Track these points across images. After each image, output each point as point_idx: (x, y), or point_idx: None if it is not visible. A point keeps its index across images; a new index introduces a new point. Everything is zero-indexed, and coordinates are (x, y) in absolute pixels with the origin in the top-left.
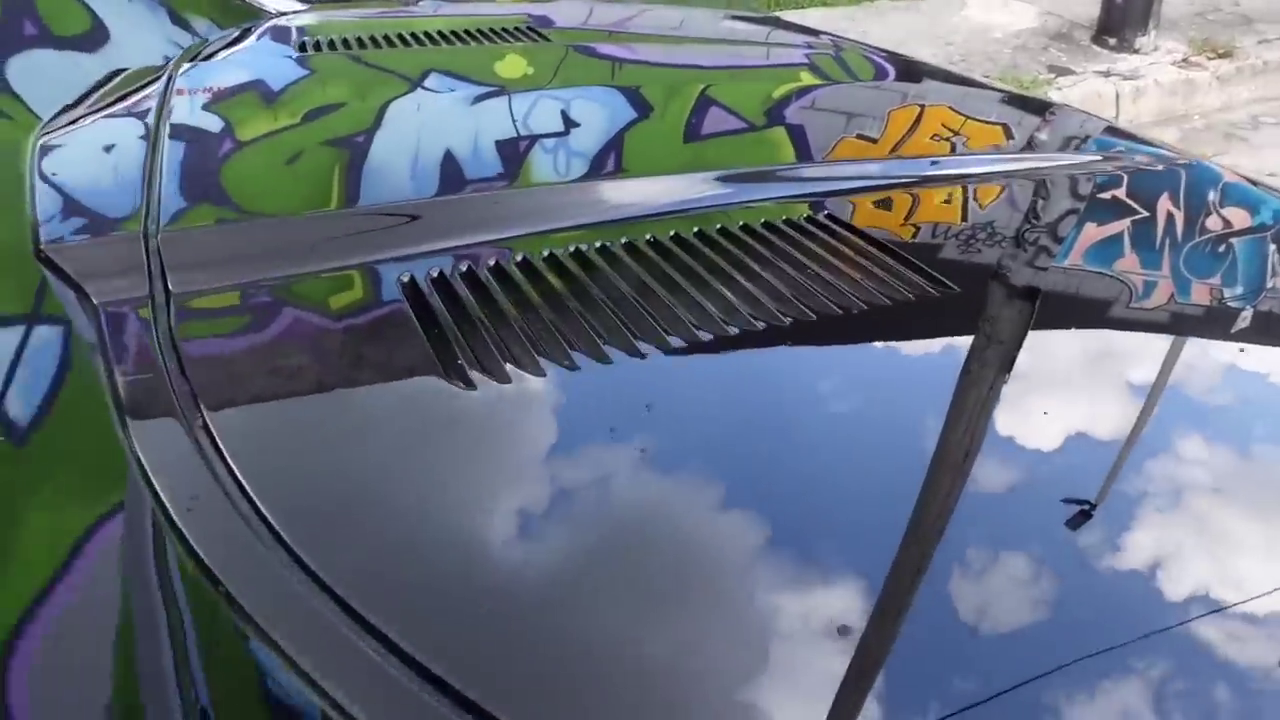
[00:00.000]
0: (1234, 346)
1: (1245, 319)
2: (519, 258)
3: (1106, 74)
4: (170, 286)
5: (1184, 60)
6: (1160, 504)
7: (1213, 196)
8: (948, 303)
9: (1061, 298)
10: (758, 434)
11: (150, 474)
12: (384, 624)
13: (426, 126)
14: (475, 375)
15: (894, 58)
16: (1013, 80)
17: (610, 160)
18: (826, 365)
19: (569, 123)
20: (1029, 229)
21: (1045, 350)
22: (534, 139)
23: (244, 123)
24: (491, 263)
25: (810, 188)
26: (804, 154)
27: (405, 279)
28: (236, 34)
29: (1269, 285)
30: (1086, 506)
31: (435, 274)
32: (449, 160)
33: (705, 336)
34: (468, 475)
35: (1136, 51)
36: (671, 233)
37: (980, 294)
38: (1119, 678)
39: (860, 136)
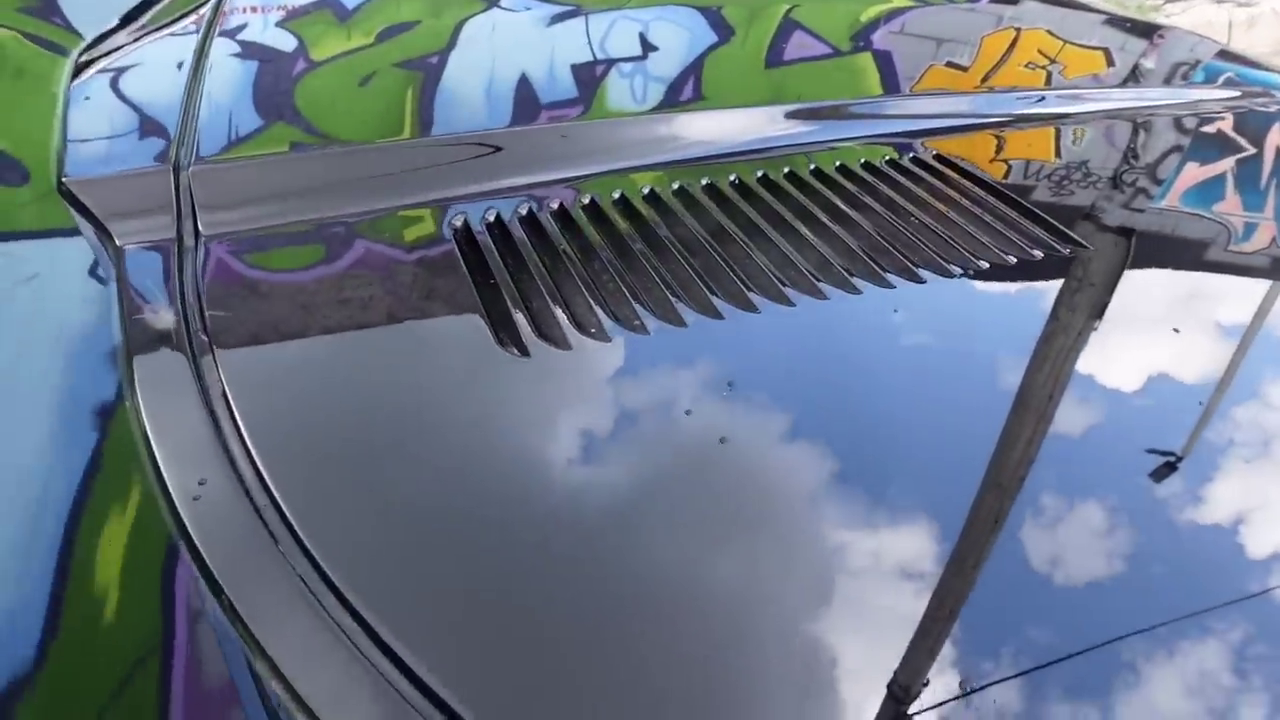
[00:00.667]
0: None
1: None
2: (586, 200)
3: None
4: (200, 228)
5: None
6: (1247, 455)
7: None
8: (1050, 254)
9: (1170, 241)
10: (852, 410)
11: (156, 453)
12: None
13: (499, 50)
14: (532, 341)
15: None
16: (1119, 6)
17: (689, 87)
18: (925, 316)
19: (646, 46)
20: (1132, 171)
21: (1152, 296)
22: (610, 63)
23: (290, 45)
24: (555, 205)
25: (900, 125)
26: (891, 82)
27: (458, 223)
28: None
29: None
30: (1172, 458)
31: (492, 218)
32: (522, 86)
33: (792, 294)
34: (512, 467)
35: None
36: (759, 173)
37: (1086, 243)
38: (1196, 638)
39: (951, 64)
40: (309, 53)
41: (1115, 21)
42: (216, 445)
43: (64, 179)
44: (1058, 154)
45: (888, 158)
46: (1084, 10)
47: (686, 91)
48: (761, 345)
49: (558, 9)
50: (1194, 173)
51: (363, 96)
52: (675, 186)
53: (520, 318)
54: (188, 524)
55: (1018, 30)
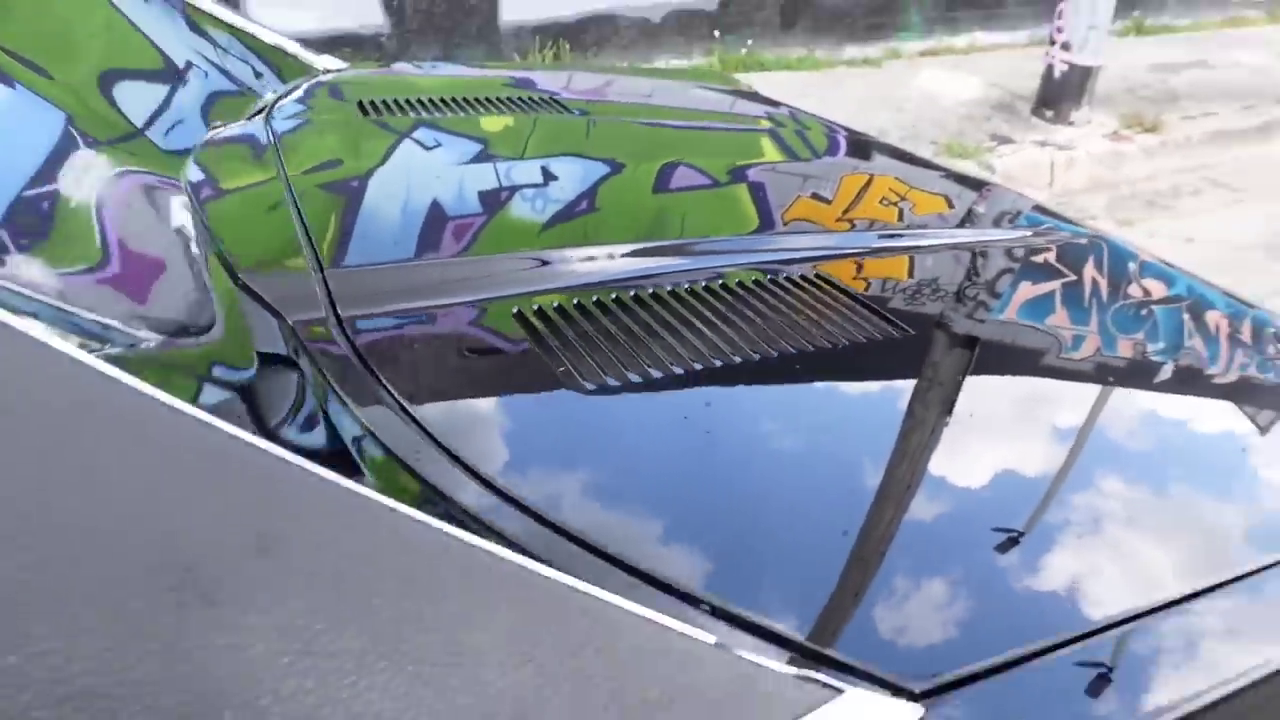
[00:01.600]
0: (1148, 396)
1: (1163, 373)
2: (570, 302)
3: (1043, 144)
4: (339, 312)
5: (1114, 133)
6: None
7: (1132, 267)
8: (901, 345)
9: (1000, 348)
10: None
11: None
12: None
13: (428, 184)
14: (568, 376)
15: (847, 131)
16: (958, 147)
17: (584, 206)
18: (790, 396)
19: (549, 176)
20: (969, 288)
21: (982, 391)
22: (515, 189)
23: (348, 175)
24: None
25: (775, 255)
26: (764, 211)
27: (514, 311)
28: (302, 87)
29: (1184, 344)
30: (1014, 533)
31: (515, 311)
32: (436, 208)
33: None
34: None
35: (1071, 124)
36: (668, 286)
37: (928, 341)
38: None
39: (815, 196)
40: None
41: (950, 175)
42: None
43: (240, 277)
44: (910, 275)
45: (769, 276)
46: (924, 164)
47: (582, 208)
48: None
49: (473, 148)
50: (1021, 292)
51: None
52: (613, 296)
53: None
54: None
55: (871, 175)
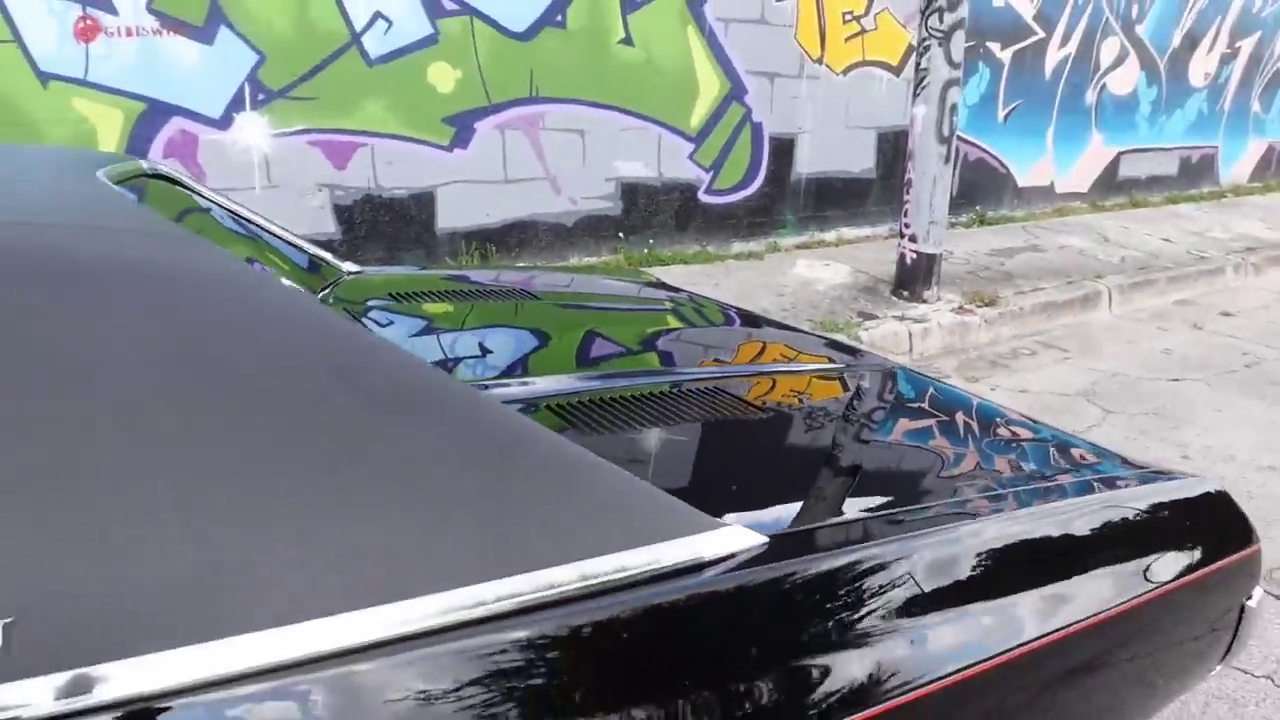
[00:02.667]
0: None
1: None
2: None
3: (901, 318)
4: None
5: (960, 308)
6: None
7: (931, 391)
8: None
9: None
10: None
11: None
12: None
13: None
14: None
15: (736, 308)
16: (830, 323)
17: (519, 371)
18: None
19: (485, 350)
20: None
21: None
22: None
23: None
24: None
25: (674, 377)
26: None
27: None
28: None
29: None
30: None
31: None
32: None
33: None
34: None
35: (924, 301)
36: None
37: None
38: None
39: (717, 360)
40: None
41: (828, 342)
42: None
43: None
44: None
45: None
46: (808, 335)
47: (517, 372)
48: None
49: (419, 324)
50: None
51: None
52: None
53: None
54: None
55: (764, 343)
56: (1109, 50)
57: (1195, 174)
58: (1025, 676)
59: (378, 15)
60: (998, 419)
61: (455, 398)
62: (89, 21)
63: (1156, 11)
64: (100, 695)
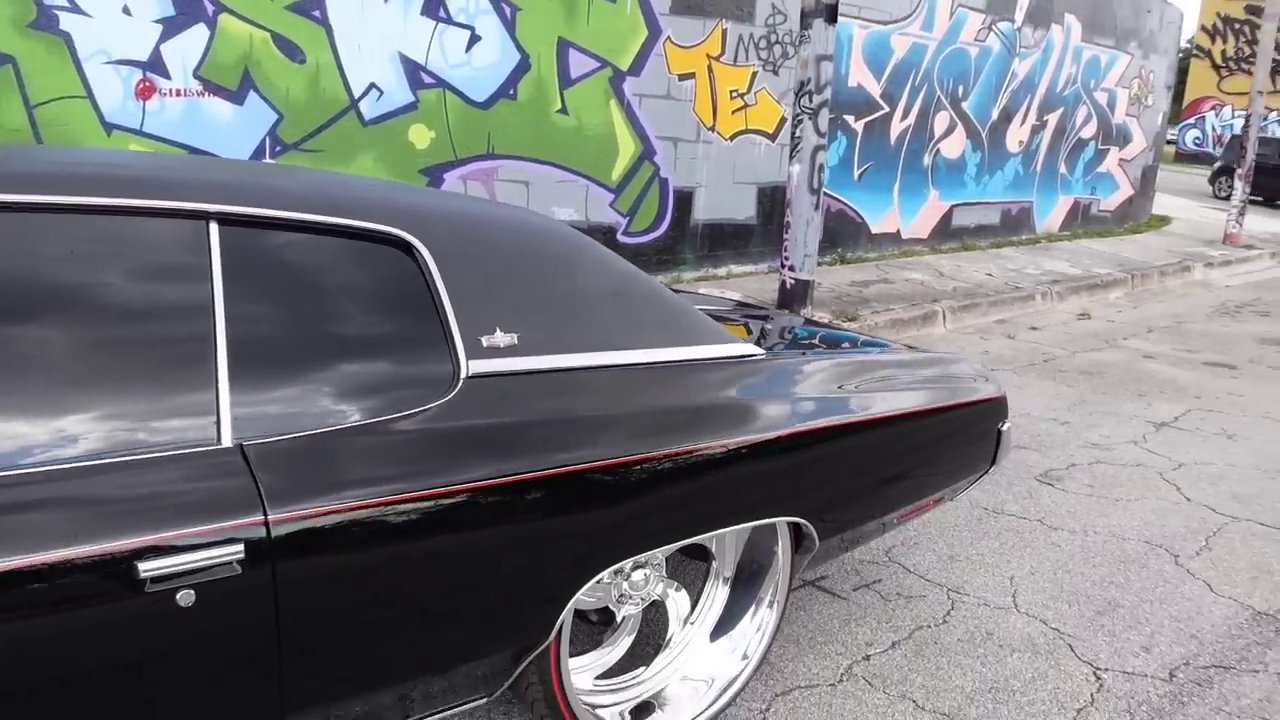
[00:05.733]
0: None
1: None
2: None
3: None
4: None
5: (828, 323)
6: None
7: (811, 326)
8: None
9: None
10: None
11: None
12: None
13: None
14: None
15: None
16: None
17: None
18: None
19: None
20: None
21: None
22: None
23: None
24: None
25: None
26: None
27: None
28: None
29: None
30: None
31: None
32: None
33: None
34: None
35: (800, 317)
36: None
37: None
38: None
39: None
40: None
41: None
42: None
43: None
44: None
45: None
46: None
47: None
48: None
49: None
50: None
51: None
52: None
53: None
54: None
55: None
56: (941, 122)
57: (1015, 224)
58: (875, 434)
59: (372, 85)
60: (856, 338)
61: (647, 281)
62: (147, 83)
63: (978, 92)
64: None
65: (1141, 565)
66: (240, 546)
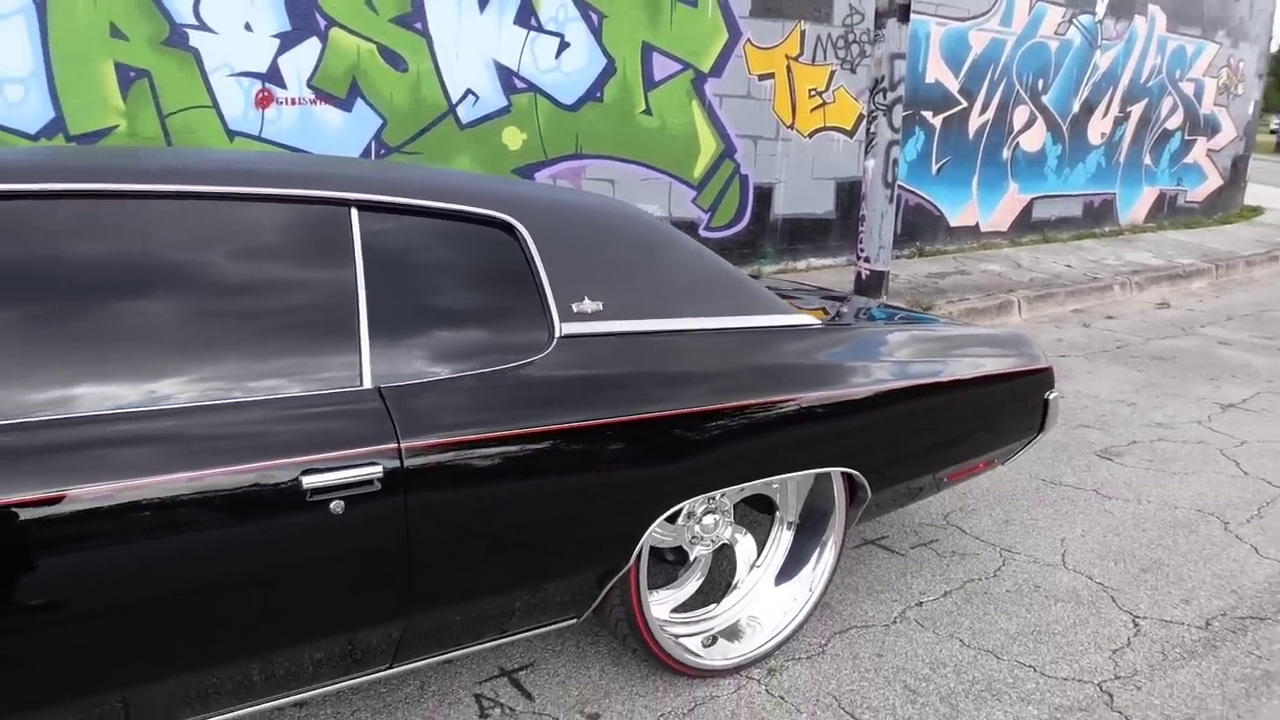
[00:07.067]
0: None
1: None
2: None
3: None
4: None
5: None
6: None
7: (889, 309)
8: None
9: None
10: None
11: None
12: None
13: None
14: None
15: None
16: None
17: None
18: None
19: None
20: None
21: None
22: None
23: None
24: None
25: None
26: None
27: None
28: None
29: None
30: None
31: None
32: None
33: None
34: None
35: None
36: None
37: None
38: None
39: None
40: None
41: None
42: None
43: None
44: None
45: None
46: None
47: None
48: None
49: None
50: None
51: None
52: None
53: None
54: None
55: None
56: (1020, 116)
57: (1097, 216)
58: (923, 397)
59: (469, 91)
60: (925, 317)
61: (715, 259)
62: (266, 93)
63: (1058, 85)
64: None
65: (1191, 530)
66: (379, 467)
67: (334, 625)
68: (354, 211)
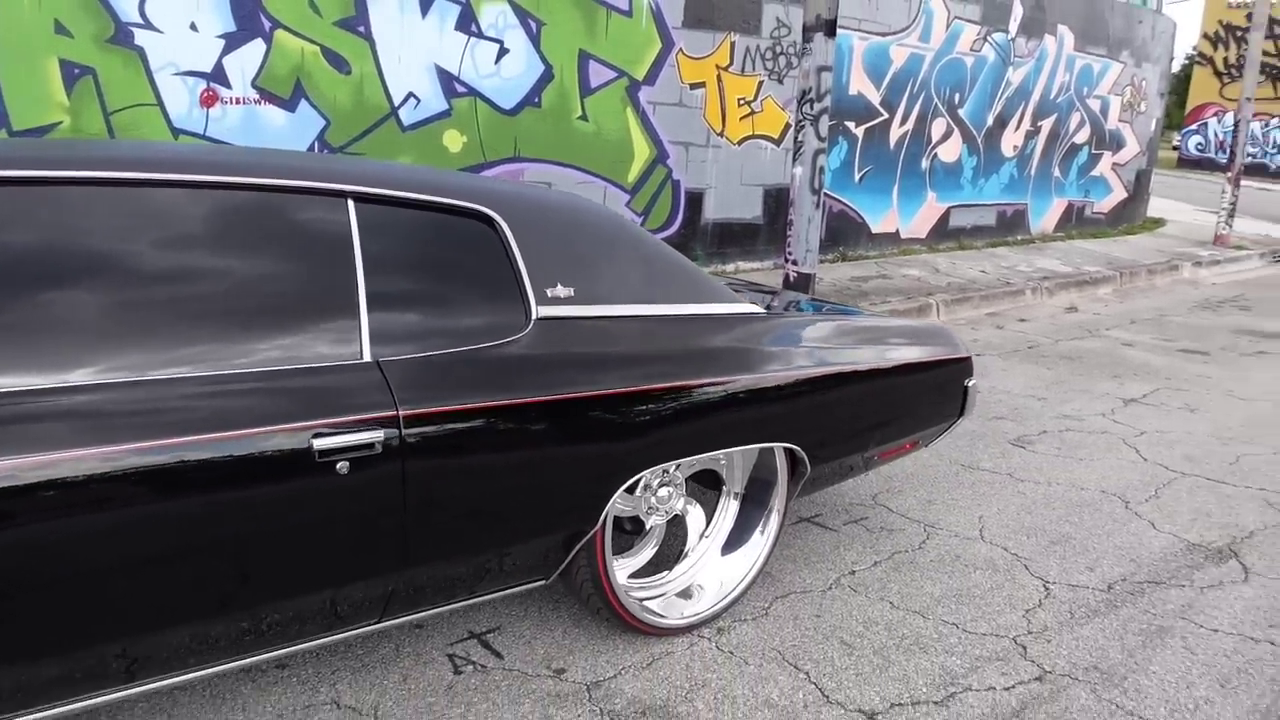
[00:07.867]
0: None
1: None
2: None
3: None
4: None
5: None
6: None
7: (815, 302)
8: None
9: None
10: None
11: None
12: None
13: None
14: None
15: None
16: None
17: None
18: None
19: None
20: None
21: None
22: None
23: None
24: None
25: None
26: None
27: None
28: None
29: None
30: None
31: None
32: None
33: None
34: None
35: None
36: None
37: None
38: None
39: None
40: None
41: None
42: None
43: None
44: None
45: None
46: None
47: None
48: None
49: None
50: None
51: None
52: None
53: None
54: None
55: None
56: (938, 128)
57: (1010, 225)
58: (856, 381)
59: (410, 94)
60: (851, 310)
61: (672, 253)
62: (210, 92)
63: (974, 99)
64: None
65: (1095, 508)
66: (380, 432)
67: (335, 577)
68: (350, 201)
